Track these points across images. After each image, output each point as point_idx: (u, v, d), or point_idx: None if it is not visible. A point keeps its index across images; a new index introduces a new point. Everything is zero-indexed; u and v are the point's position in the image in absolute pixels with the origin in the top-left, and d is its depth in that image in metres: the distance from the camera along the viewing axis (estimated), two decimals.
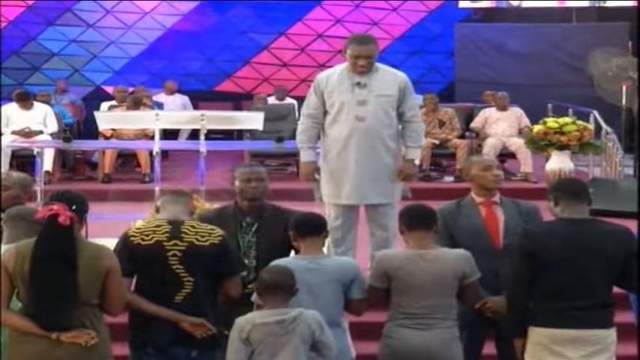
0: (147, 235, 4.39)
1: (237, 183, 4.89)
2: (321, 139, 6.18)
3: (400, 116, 6.08)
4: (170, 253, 4.36)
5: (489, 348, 5.10)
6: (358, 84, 5.97)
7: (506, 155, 11.53)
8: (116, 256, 4.32)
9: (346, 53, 6.00)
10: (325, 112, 6.07)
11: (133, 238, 4.40)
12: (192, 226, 4.44)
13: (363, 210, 6.22)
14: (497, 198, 5.01)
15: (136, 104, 11.19)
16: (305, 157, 6.14)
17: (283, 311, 4.20)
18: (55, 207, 3.97)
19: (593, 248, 4.32)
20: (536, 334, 4.37)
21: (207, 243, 4.39)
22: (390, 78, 6.05)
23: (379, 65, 6.08)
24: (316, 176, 6.09)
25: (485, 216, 4.95)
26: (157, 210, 4.66)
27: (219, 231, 4.47)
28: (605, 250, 4.33)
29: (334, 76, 6.06)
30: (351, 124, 5.97)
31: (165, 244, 4.37)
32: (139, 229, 4.47)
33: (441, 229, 4.77)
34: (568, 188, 4.50)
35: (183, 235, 4.39)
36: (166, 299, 4.37)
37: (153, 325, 4.37)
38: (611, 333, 4.41)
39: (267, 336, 4.15)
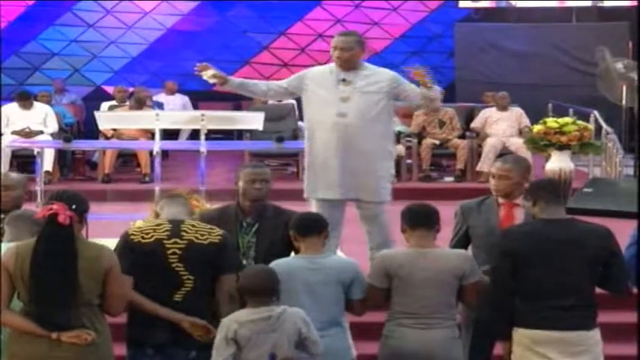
0: (147, 234, 4.40)
1: (240, 183, 4.87)
2: (305, 137, 6.27)
3: (408, 98, 6.19)
4: (170, 252, 4.37)
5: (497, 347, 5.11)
6: (343, 80, 6.04)
7: (506, 155, 11.53)
8: (117, 254, 4.33)
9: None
10: (289, 94, 6.37)
11: (133, 237, 4.41)
12: (193, 225, 4.44)
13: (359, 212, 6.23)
14: (520, 200, 4.93)
15: (139, 104, 11.21)
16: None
17: (269, 308, 4.20)
18: (54, 206, 3.97)
19: (572, 248, 4.31)
20: (519, 335, 4.37)
21: (206, 242, 4.40)
22: (376, 77, 6.10)
23: (369, 65, 6.16)
24: (207, 73, 6.15)
25: (503, 217, 4.92)
26: (157, 215, 4.66)
27: (219, 230, 4.47)
28: (584, 249, 4.32)
29: (323, 71, 6.19)
30: (333, 120, 6.02)
31: (165, 242, 4.37)
32: (140, 227, 4.48)
33: (459, 224, 4.86)
34: (546, 189, 4.50)
35: (183, 233, 4.39)
36: (166, 298, 4.37)
37: (151, 325, 4.37)
38: (594, 334, 4.38)
39: (255, 333, 4.15)
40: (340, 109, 6.00)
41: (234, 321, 4.18)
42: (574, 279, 4.31)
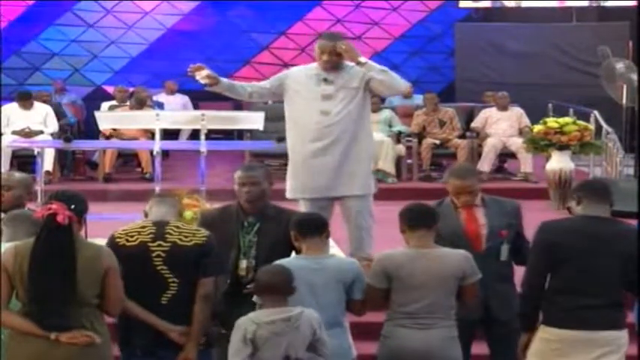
0: (132, 236, 4.39)
1: (235, 186, 4.92)
2: (287, 137, 6.26)
3: (374, 79, 6.06)
4: (154, 254, 4.36)
5: (482, 348, 5.11)
6: (325, 80, 6.07)
7: (506, 155, 11.55)
8: None
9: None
10: (272, 94, 6.37)
11: (118, 240, 4.41)
12: (177, 227, 4.43)
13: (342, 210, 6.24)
14: (477, 200, 4.96)
15: (140, 104, 11.20)
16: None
17: (287, 309, 4.20)
18: (53, 206, 3.97)
19: (608, 246, 4.30)
20: (546, 334, 4.36)
21: (190, 243, 4.38)
22: (352, 72, 6.09)
23: (348, 63, 6.15)
24: (200, 73, 6.07)
25: (465, 219, 4.91)
26: (146, 215, 4.66)
27: (204, 232, 4.46)
28: (619, 249, 4.31)
29: (305, 71, 6.22)
30: (317, 118, 6.04)
31: (149, 244, 4.36)
32: (125, 230, 4.46)
33: None
34: (591, 188, 4.50)
35: (167, 235, 4.38)
36: (151, 301, 4.36)
37: (140, 327, 4.38)
38: (623, 334, 4.37)
39: (273, 334, 4.14)
40: (323, 107, 6.05)
41: (253, 322, 4.17)
42: (606, 278, 4.31)
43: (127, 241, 4.38)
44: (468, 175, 4.95)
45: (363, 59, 6.05)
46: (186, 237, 4.39)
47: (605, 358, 4.30)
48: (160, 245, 4.36)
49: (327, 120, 6.04)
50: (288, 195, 6.19)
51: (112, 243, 4.42)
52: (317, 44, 6.13)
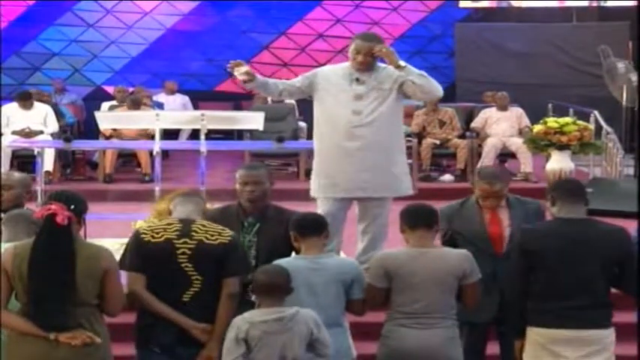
0: (157, 233, 4.41)
1: (237, 185, 4.92)
2: (314, 134, 6.23)
3: (410, 83, 6.02)
4: (179, 251, 4.37)
5: (493, 348, 5.11)
6: (357, 80, 6.02)
7: (506, 155, 11.55)
8: (128, 253, 4.37)
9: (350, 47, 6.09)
10: (301, 92, 6.20)
11: (143, 236, 4.42)
12: (203, 225, 4.44)
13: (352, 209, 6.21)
14: (502, 201, 4.98)
15: (136, 105, 11.19)
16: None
17: (281, 309, 4.20)
18: (53, 207, 3.97)
19: (588, 247, 4.32)
20: (534, 335, 4.38)
21: (216, 242, 4.39)
22: (385, 73, 6.06)
23: (381, 64, 6.12)
24: (239, 69, 6.01)
25: (489, 220, 4.93)
26: (169, 213, 4.67)
27: (229, 231, 4.48)
28: (600, 249, 4.33)
29: (336, 70, 6.16)
30: (348, 118, 6.00)
31: (175, 242, 4.38)
32: (150, 226, 4.49)
33: (442, 230, 4.83)
34: (565, 188, 4.50)
35: (193, 233, 4.40)
36: (174, 297, 4.37)
37: (159, 325, 4.39)
38: (610, 333, 4.41)
39: (265, 334, 4.15)
40: (355, 107, 6.00)
41: (246, 321, 4.18)
42: (589, 278, 4.32)
43: (153, 237, 4.39)
44: (497, 180, 4.95)
45: (402, 63, 6.00)
46: (212, 236, 4.40)
47: (593, 356, 4.33)
48: (185, 243, 4.37)
49: (358, 120, 5.98)
50: (313, 193, 6.16)
51: (137, 239, 4.42)
52: (353, 44, 6.04)
